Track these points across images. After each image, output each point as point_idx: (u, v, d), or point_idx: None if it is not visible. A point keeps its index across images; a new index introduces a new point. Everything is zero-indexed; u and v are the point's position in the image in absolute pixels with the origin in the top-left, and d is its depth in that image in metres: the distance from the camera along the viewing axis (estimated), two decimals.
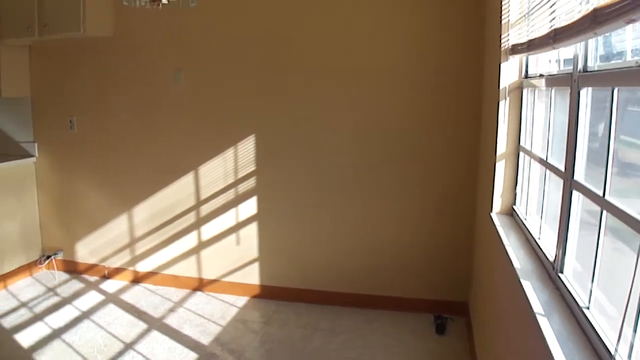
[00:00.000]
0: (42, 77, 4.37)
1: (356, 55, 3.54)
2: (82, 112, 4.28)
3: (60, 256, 4.54)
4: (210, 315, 3.75)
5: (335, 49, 3.58)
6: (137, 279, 4.31)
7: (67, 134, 4.33)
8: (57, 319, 3.72)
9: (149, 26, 3.96)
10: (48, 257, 4.50)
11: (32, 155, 4.47)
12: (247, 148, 3.82)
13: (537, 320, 1.44)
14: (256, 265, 3.96)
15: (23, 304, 3.98)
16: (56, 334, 3.51)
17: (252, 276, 3.98)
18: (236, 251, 3.98)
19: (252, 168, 3.83)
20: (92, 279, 4.43)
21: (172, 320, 3.69)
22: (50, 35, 3.91)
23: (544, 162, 2.09)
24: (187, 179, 4.01)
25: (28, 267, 4.48)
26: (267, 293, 3.97)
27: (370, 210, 3.68)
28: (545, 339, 1.34)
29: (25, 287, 4.30)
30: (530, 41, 2.06)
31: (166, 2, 2.57)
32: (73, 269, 4.53)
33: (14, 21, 4.02)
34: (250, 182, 3.85)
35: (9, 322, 3.68)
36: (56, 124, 4.36)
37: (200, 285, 4.12)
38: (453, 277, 3.61)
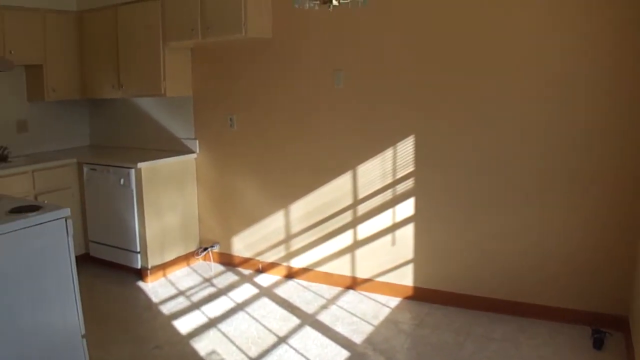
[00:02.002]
0: (204, 77, 5.19)
1: (526, 53, 3.79)
2: (241, 111, 5.02)
3: (216, 249, 5.34)
4: (362, 315, 4.18)
5: (506, 47, 3.84)
6: (291, 275, 4.95)
7: (227, 132, 5.11)
8: (213, 309, 4.37)
9: (307, 27, 4.55)
10: (205, 249, 5.31)
11: (193, 152, 5.32)
12: (406, 149, 4.26)
13: None
14: (410, 267, 4.39)
15: (181, 292, 4.74)
16: (212, 323, 4.13)
17: (406, 277, 4.42)
18: (391, 251, 4.44)
19: (410, 169, 4.26)
20: (247, 272, 5.15)
21: (324, 317, 4.16)
22: (213, 38, 4.61)
23: None
24: (345, 178, 4.54)
25: (186, 258, 5.31)
26: (419, 295, 4.38)
27: (531, 216, 3.93)
28: None
29: (183, 276, 5.11)
30: None
31: (337, 3, 2.81)
32: (228, 261, 5.30)
33: (178, 25, 4.81)
34: (409, 183, 4.29)
35: (168, 308, 4.43)
36: (217, 122, 5.16)
37: (353, 283, 4.65)
38: (612, 289, 3.75)
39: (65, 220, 3.10)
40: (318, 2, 2.85)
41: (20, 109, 5.66)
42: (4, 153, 5.27)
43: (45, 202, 3.30)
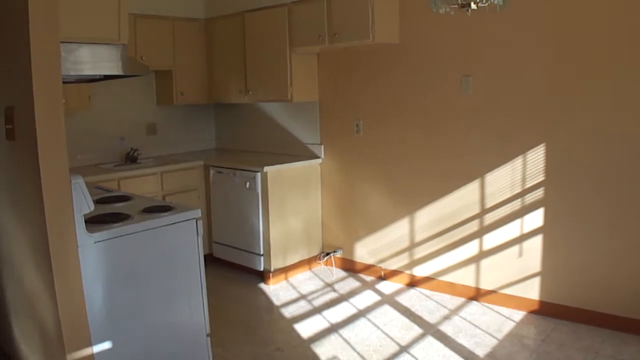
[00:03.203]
0: (329, 82, 5.63)
1: None
2: (367, 117, 5.39)
3: (339, 254, 5.75)
4: (485, 327, 4.32)
5: None
6: (413, 283, 5.25)
7: (353, 138, 5.51)
8: (334, 314, 4.68)
9: (435, 32, 4.83)
10: (327, 254, 5.74)
11: (318, 157, 5.77)
12: (536, 157, 4.41)
13: None
14: (537, 280, 4.52)
15: (302, 296, 5.13)
16: (333, 328, 4.42)
17: (532, 290, 4.55)
18: (517, 263, 4.60)
19: (540, 178, 4.41)
20: (368, 278, 5.51)
21: (447, 328, 4.33)
22: (340, 43, 5.02)
23: None
24: (472, 187, 4.77)
25: (308, 262, 5.77)
26: (545, 309, 4.48)
27: None
28: None
29: (304, 280, 5.53)
30: None
31: (475, 7, 2.92)
32: (350, 267, 5.70)
33: (305, 31, 5.26)
34: (538, 193, 4.44)
35: (289, 311, 4.81)
36: (342, 127, 5.58)
37: (476, 294, 4.86)
38: None
39: (196, 221, 3.44)
40: (456, 6, 2.99)
41: (149, 113, 6.37)
42: (134, 154, 5.92)
43: (173, 202, 3.71)
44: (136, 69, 4.36)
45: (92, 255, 2.97)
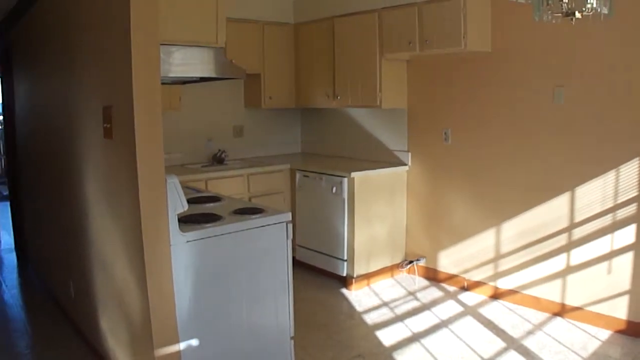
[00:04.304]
0: (418, 90, 5.81)
1: None
2: (456, 125, 5.54)
3: (422, 263, 5.93)
4: (570, 344, 4.35)
5: None
6: (496, 295, 5.36)
7: (441, 146, 5.67)
8: (416, 323, 4.82)
9: (529, 40, 4.90)
10: (410, 262, 5.94)
11: (405, 164, 5.96)
12: (629, 172, 4.43)
13: None
14: (625, 298, 4.53)
15: (384, 303, 5.31)
16: (415, 337, 4.55)
17: (620, 309, 4.56)
18: (605, 280, 4.63)
19: (633, 194, 4.43)
20: (451, 288, 5.66)
21: (530, 343, 4.38)
22: (430, 50, 5.18)
23: None
24: (561, 200, 4.83)
25: (390, 269, 5.98)
26: (633, 329, 4.48)
27: None
28: None
29: (386, 287, 5.73)
30: None
31: (579, 16, 2.93)
32: (433, 276, 5.87)
33: (396, 37, 5.46)
34: (631, 209, 4.45)
35: (371, 318, 4.99)
36: (430, 135, 5.75)
37: (561, 310, 4.92)
38: None
39: (287, 225, 3.64)
40: (560, 15, 3.01)
41: (237, 115, 6.75)
42: (221, 156, 6.27)
43: (263, 205, 3.92)
44: (234, 72, 4.64)
45: (183, 253, 3.19)
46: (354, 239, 5.54)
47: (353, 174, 5.48)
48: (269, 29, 6.42)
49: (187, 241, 3.21)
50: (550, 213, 4.86)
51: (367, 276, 5.73)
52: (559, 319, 4.83)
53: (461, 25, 4.84)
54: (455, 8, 4.86)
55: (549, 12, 3.04)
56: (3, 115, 7.94)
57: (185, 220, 3.32)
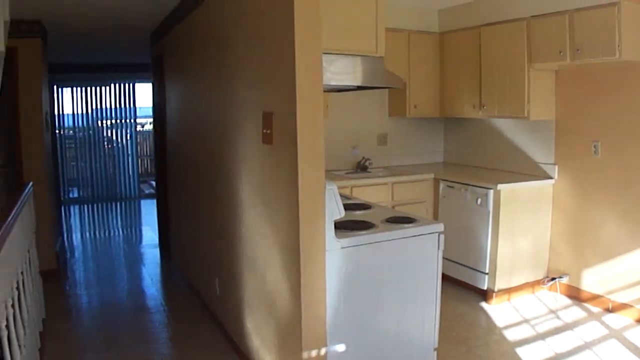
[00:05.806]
0: (567, 100, 5.74)
1: None
2: (607, 138, 5.40)
3: (565, 280, 5.85)
4: None
5: None
6: None
7: (590, 159, 5.56)
8: (558, 343, 4.75)
9: None
10: (553, 279, 5.88)
11: (551, 177, 5.91)
12: None
13: None
14: None
15: (525, 320, 5.30)
16: (557, 357, 4.48)
17: None
18: None
19: None
20: (594, 309, 5.53)
21: None
22: (582, 60, 5.10)
23: None
24: None
25: (532, 285, 5.95)
26: None
27: None
28: None
29: (527, 303, 5.71)
30: None
31: None
32: (575, 295, 5.78)
33: (545, 46, 5.42)
34: None
35: (511, 334, 5.00)
36: (578, 147, 5.65)
37: None
38: None
39: (438, 235, 3.75)
40: None
41: (381, 123, 6.97)
42: (365, 163, 6.47)
43: (414, 214, 4.05)
44: (393, 81, 4.74)
45: (337, 259, 3.39)
46: (497, 252, 5.58)
47: (499, 186, 5.52)
48: (415, 37, 6.59)
49: (342, 247, 3.40)
50: None
51: (508, 291, 5.74)
52: None
53: (616, 34, 4.70)
54: (610, 15, 4.75)
55: None
56: (154, 118, 8.63)
57: (339, 227, 3.47)
